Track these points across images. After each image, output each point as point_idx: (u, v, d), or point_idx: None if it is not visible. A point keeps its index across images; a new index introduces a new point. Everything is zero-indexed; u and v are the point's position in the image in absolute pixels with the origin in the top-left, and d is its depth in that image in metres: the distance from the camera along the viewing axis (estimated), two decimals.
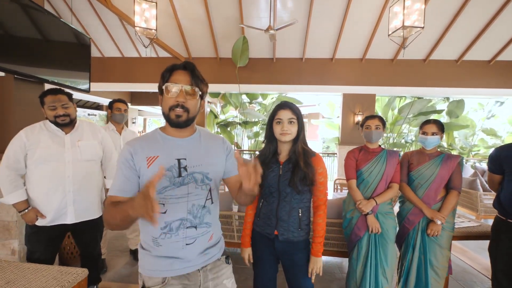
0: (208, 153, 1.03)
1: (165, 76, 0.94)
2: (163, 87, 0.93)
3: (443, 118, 7.72)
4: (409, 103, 6.81)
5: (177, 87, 0.91)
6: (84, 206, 1.65)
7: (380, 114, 7.41)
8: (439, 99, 7.70)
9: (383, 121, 1.81)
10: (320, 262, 1.31)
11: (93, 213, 1.72)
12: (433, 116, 6.98)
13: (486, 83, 5.74)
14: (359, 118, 6.03)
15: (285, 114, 1.29)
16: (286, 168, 1.32)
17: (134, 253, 2.66)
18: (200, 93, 0.96)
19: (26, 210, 1.54)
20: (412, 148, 7.96)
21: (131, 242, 2.65)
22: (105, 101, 8.50)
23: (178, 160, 0.95)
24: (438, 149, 1.86)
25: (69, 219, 1.60)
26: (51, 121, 1.60)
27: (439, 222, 1.68)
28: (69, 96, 1.66)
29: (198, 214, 0.99)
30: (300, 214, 1.33)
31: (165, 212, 0.94)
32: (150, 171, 0.92)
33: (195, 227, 0.98)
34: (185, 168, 0.96)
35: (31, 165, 1.54)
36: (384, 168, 1.74)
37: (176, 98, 0.92)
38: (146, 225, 0.97)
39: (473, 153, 8.54)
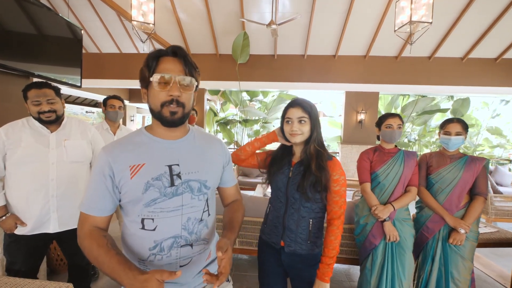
0: (205, 157, 0.88)
1: (151, 65, 0.76)
2: (151, 79, 0.75)
3: (447, 117, 7.60)
4: (413, 102, 6.70)
5: (169, 78, 0.75)
6: (69, 213, 1.47)
7: (383, 112, 7.28)
8: (443, 97, 7.57)
9: (402, 120, 1.66)
10: None
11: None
12: (437, 115, 6.85)
13: (492, 81, 5.65)
14: (361, 116, 5.92)
15: (295, 113, 1.14)
16: (297, 171, 1.16)
17: None
18: (196, 83, 0.81)
19: (4, 217, 1.37)
20: (415, 147, 7.84)
21: None
22: (103, 99, 8.34)
23: (169, 166, 0.80)
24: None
25: (52, 228, 1.43)
26: (34, 118, 1.44)
27: (462, 231, 1.53)
28: (56, 90, 1.49)
29: (195, 229, 0.83)
30: (310, 226, 1.16)
31: (154, 230, 0.78)
32: (134, 182, 0.76)
33: (191, 245, 0.83)
34: (178, 176, 0.80)
35: (11, 167, 1.38)
36: (401, 170, 1.59)
37: (170, 92, 0.75)
38: (131, 245, 0.82)
39: (477, 152, 8.41)
